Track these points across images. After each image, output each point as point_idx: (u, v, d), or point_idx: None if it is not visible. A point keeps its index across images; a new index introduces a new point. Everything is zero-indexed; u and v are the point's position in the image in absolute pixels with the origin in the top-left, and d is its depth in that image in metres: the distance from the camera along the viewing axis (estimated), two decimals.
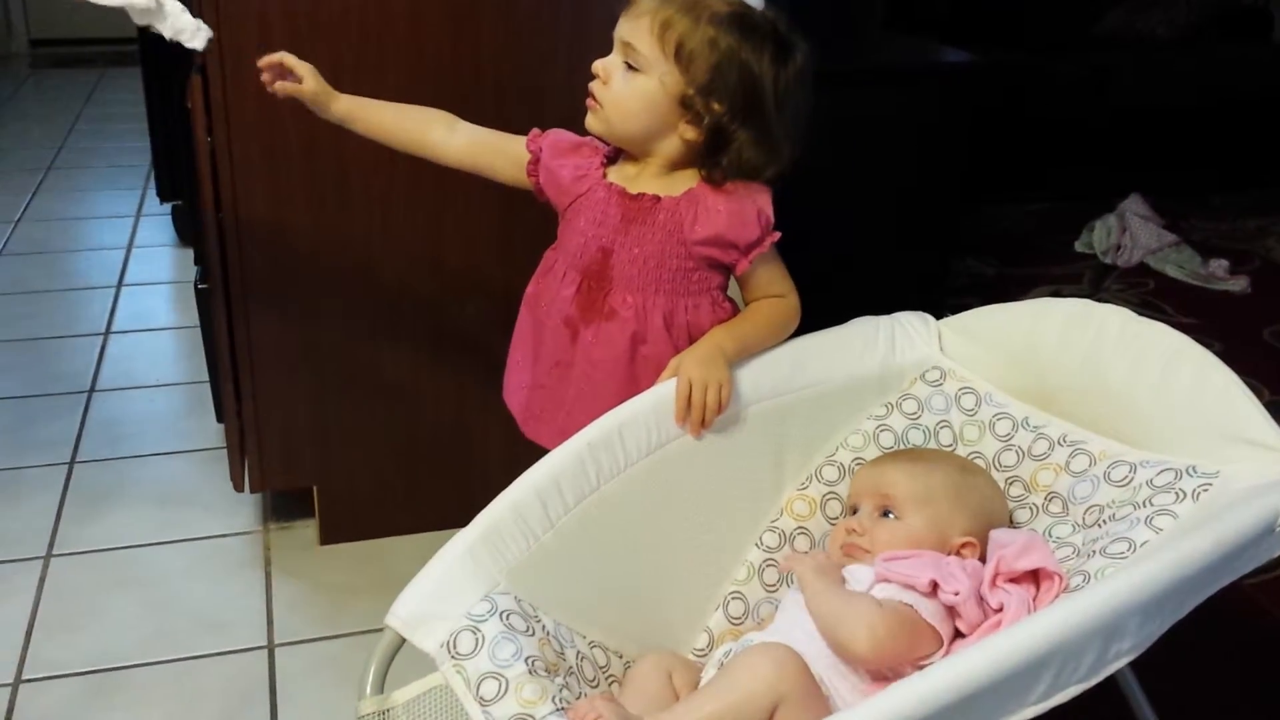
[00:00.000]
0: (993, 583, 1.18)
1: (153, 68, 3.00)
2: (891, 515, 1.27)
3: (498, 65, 1.71)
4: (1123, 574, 0.99)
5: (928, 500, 1.26)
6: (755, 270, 1.33)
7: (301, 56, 1.62)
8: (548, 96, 1.74)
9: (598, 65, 1.28)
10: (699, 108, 1.25)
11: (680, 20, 1.23)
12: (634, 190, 1.31)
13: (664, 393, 1.27)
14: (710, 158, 1.28)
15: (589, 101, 1.30)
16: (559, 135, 1.37)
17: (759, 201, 1.29)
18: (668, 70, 1.24)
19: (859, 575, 1.22)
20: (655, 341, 1.31)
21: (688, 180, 1.30)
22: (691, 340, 1.32)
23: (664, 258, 1.30)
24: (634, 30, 1.25)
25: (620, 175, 1.33)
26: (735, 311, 1.37)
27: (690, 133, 1.27)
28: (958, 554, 1.24)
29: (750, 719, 1.03)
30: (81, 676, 1.63)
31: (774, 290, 1.36)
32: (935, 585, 1.17)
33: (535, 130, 1.39)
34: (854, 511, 1.31)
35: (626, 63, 1.26)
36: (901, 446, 1.40)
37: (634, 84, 1.26)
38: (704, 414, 1.27)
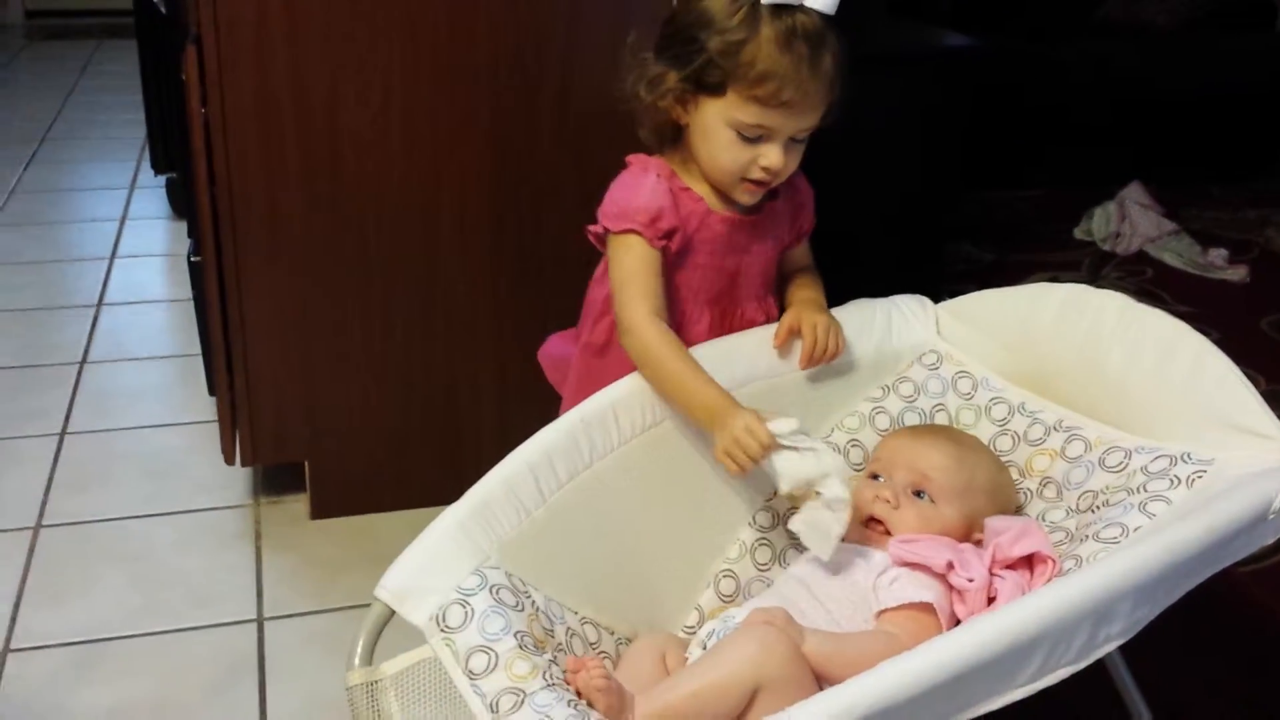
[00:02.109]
0: (989, 570, 1.17)
1: (148, 39, 2.98)
2: (926, 497, 1.25)
3: (494, 39, 1.70)
4: (1115, 558, 0.99)
5: (967, 492, 1.25)
6: (805, 243, 1.45)
7: (296, 29, 1.62)
8: (545, 72, 1.73)
9: (778, 164, 1.25)
10: None
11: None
12: (723, 209, 1.32)
13: None
14: None
15: (755, 188, 1.29)
16: (649, 203, 1.28)
17: None
18: None
19: (872, 557, 1.21)
20: None
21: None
22: None
23: (771, 262, 1.39)
24: (807, 120, 1.25)
25: (713, 200, 1.32)
26: None
27: None
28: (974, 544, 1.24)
29: (731, 699, 1.02)
30: (69, 647, 1.62)
31: (810, 259, 1.45)
32: (951, 566, 1.17)
33: (632, 232, 1.28)
34: (874, 476, 1.29)
35: (792, 139, 1.27)
36: (897, 429, 1.39)
37: (799, 154, 1.29)
38: (825, 353, 1.35)
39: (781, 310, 1.41)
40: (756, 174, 1.26)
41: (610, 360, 1.35)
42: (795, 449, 1.16)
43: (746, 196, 1.30)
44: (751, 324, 1.37)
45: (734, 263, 1.34)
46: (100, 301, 2.71)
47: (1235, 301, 2.93)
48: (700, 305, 1.35)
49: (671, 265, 1.31)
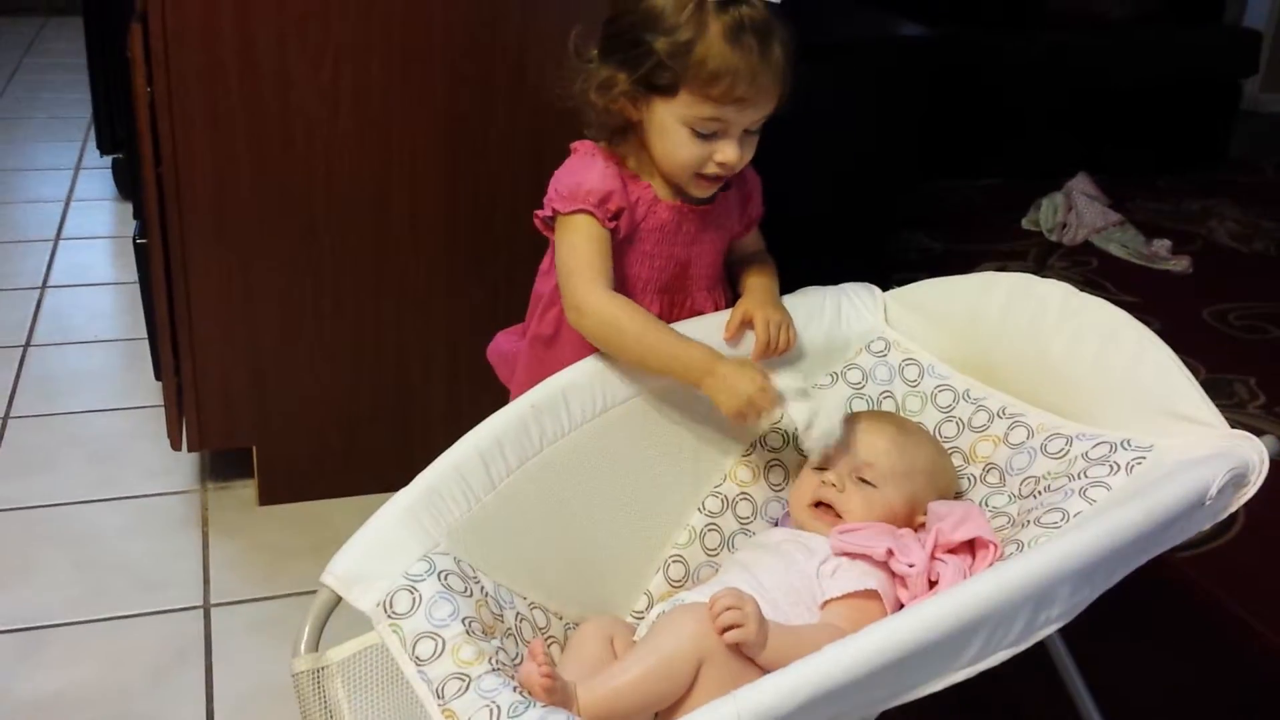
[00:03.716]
0: (932, 554, 1.19)
1: (95, 16, 2.93)
2: (868, 483, 1.26)
3: (449, 19, 1.68)
4: (1054, 542, 1.00)
5: (909, 477, 1.27)
6: (755, 230, 1.45)
7: (245, 6, 1.60)
8: (499, 54, 1.72)
9: (734, 159, 1.25)
10: None
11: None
12: (671, 198, 1.32)
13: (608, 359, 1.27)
14: None
15: (709, 184, 1.29)
16: (599, 185, 1.28)
17: None
18: None
19: (815, 545, 1.22)
20: None
21: None
22: None
23: (721, 252, 1.39)
24: (761, 112, 1.25)
25: (661, 188, 1.32)
26: None
27: None
28: (916, 529, 1.25)
29: (676, 677, 1.03)
30: (11, 634, 1.60)
31: (762, 245, 1.45)
32: (891, 553, 1.18)
33: (581, 212, 1.27)
34: (820, 467, 1.29)
35: (746, 130, 1.27)
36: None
37: (754, 145, 1.29)
38: (777, 349, 1.34)
39: (732, 297, 1.41)
40: (712, 169, 1.26)
41: (558, 351, 1.35)
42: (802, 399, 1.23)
43: (700, 190, 1.30)
44: (700, 314, 1.38)
45: (684, 253, 1.35)
46: (45, 284, 2.67)
47: (1178, 292, 2.97)
48: (650, 295, 1.35)
49: (620, 254, 1.30)
